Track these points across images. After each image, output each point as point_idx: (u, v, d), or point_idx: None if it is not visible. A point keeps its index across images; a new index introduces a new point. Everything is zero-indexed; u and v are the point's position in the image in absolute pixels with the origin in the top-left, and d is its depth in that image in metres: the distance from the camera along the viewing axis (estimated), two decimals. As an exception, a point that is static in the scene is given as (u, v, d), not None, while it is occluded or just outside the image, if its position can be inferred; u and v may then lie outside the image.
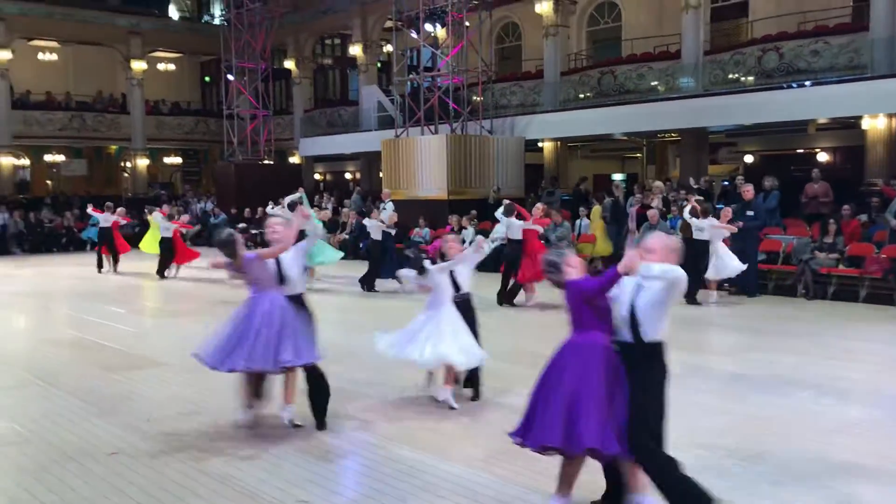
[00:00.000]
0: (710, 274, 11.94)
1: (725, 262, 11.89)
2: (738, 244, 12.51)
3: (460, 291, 6.57)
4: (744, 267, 11.84)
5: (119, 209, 18.23)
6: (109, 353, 8.85)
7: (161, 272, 16.41)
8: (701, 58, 18.68)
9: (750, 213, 12.57)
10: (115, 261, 17.67)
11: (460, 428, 5.92)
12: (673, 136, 21.54)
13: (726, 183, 17.77)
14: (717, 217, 12.15)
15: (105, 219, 17.54)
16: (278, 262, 5.82)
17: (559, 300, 4.41)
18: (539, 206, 12.84)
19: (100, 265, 17.65)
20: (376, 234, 14.23)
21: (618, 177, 24.65)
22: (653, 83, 19.54)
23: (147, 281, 16.24)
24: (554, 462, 5.05)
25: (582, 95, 21.02)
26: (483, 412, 6.36)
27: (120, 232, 18.01)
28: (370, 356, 8.48)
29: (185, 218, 17.10)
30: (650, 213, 14.16)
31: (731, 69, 18.07)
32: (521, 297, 12.25)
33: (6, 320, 11.75)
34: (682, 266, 4.11)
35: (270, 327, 5.56)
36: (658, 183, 16.75)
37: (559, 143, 22.44)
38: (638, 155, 25.39)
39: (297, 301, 5.94)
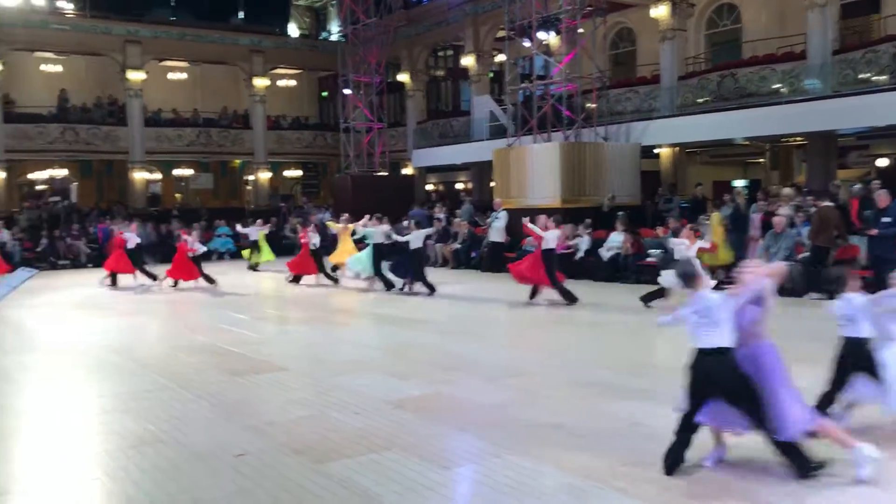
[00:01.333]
0: None
1: None
2: (874, 252, 11.88)
3: None
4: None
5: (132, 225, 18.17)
6: (235, 358, 9.20)
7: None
8: (829, 57, 17.80)
9: (886, 219, 11.85)
10: (114, 281, 17.25)
11: (578, 439, 5.80)
12: (798, 140, 20.61)
13: (857, 187, 16.85)
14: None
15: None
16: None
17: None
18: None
19: (112, 282, 17.29)
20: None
21: (739, 183, 23.78)
22: (775, 85, 18.73)
23: (267, 290, 16.83)
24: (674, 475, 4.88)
25: (700, 100, 20.39)
26: (598, 423, 6.20)
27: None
28: (481, 367, 8.49)
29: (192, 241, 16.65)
30: (776, 220, 13.58)
31: (862, 68, 17.11)
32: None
33: (142, 327, 12.40)
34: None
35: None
36: (787, 189, 16.06)
37: (677, 148, 21.86)
38: (761, 160, 24.44)
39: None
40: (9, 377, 8.42)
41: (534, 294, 13.14)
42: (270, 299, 15.89)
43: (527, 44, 21.42)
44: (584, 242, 17.36)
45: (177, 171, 33.61)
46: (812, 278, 12.71)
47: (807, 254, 13.06)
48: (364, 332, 11.02)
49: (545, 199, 19.38)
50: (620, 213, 17.60)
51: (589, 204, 19.09)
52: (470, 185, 30.54)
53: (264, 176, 32.72)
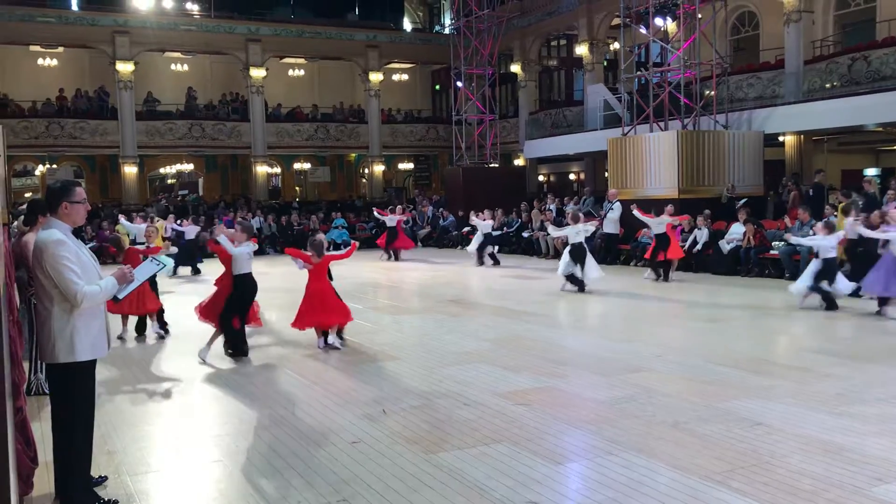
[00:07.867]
0: None
1: None
2: None
3: None
4: None
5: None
6: (349, 346, 9.40)
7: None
8: (977, 34, 16.53)
9: None
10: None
11: (695, 438, 5.62)
12: (940, 126, 19.25)
13: None
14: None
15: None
16: None
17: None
18: None
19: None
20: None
21: (870, 172, 22.46)
22: (914, 67, 17.57)
23: (381, 280, 17.10)
24: (796, 477, 4.66)
25: (829, 85, 19.36)
26: (716, 422, 5.99)
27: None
28: (594, 362, 8.36)
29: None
30: (912, 210, 12.71)
31: None
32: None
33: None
34: None
35: None
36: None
37: (802, 136, 20.84)
38: (895, 147, 23.02)
39: None
40: (135, 362, 8.90)
41: (396, 257, 20.82)
42: (384, 289, 16.16)
43: (643, 31, 20.89)
44: (702, 234, 16.82)
45: (296, 165, 34.70)
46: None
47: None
48: (475, 323, 11.04)
49: (662, 190, 18.90)
50: (742, 201, 16.97)
51: (708, 194, 18.48)
52: (583, 176, 30.12)
53: (378, 169, 33.31)
